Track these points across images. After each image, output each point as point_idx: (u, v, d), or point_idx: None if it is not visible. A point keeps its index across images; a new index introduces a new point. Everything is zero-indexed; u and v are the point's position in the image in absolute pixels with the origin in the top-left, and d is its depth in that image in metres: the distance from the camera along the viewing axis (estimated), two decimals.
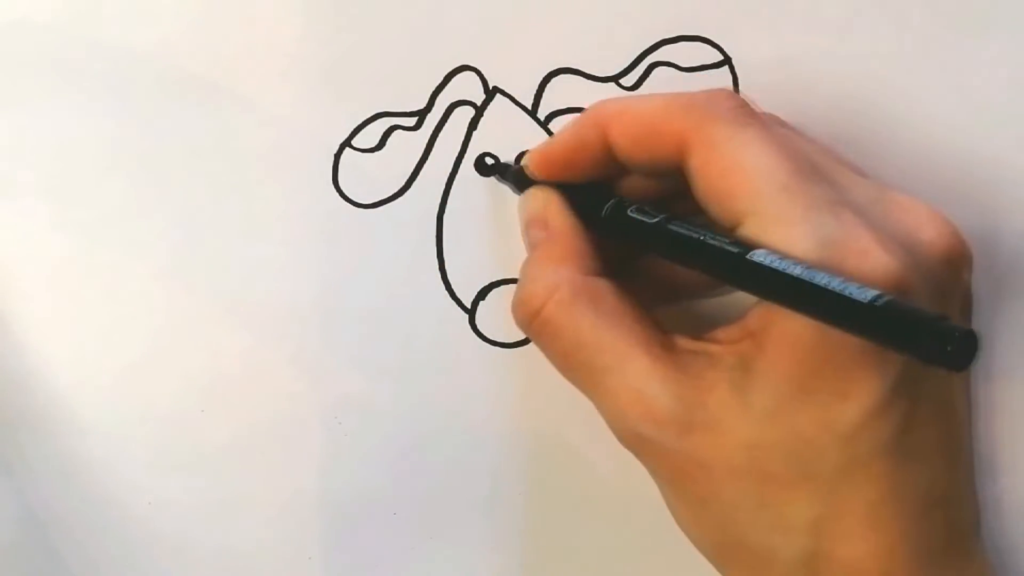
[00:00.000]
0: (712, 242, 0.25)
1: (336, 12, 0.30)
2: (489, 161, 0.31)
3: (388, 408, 0.32)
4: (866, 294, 0.21)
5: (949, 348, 0.20)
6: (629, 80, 0.31)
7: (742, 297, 0.25)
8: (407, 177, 0.31)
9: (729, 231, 0.25)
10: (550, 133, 0.31)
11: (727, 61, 0.30)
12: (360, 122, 0.31)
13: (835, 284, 0.22)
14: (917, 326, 0.21)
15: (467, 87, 0.31)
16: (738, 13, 0.30)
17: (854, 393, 0.23)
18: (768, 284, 0.23)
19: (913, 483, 0.25)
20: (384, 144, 0.31)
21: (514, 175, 0.31)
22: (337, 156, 0.31)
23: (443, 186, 0.31)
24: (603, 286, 0.27)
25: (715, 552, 0.27)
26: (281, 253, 0.32)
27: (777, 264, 0.23)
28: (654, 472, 0.27)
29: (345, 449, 0.33)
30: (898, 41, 0.30)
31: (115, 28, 0.31)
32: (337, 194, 0.31)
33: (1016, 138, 0.30)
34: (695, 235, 0.25)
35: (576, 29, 0.30)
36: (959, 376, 0.28)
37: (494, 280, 0.32)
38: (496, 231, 0.32)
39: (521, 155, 0.31)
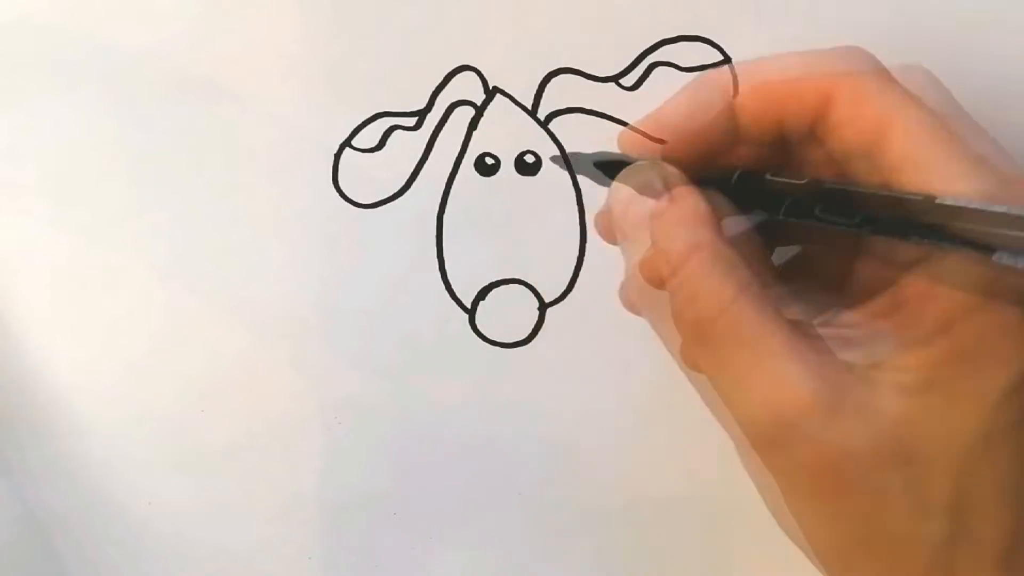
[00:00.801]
0: (889, 193, 0.23)
1: (336, 12, 0.30)
2: (489, 161, 0.31)
3: (388, 408, 0.32)
4: None
5: None
6: (629, 80, 0.31)
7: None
8: (407, 177, 0.31)
9: (886, 176, 0.24)
10: (550, 133, 0.31)
11: (727, 61, 0.30)
12: (360, 122, 0.31)
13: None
14: None
15: (467, 87, 0.31)
16: (738, 13, 0.30)
17: (1005, 361, 0.23)
18: (966, 230, 0.21)
19: None
20: (384, 144, 0.31)
21: (599, 161, 0.28)
22: (337, 156, 0.31)
23: (443, 186, 0.31)
24: (739, 256, 0.25)
25: (844, 553, 0.25)
26: (281, 253, 0.32)
27: (975, 204, 0.21)
28: (787, 470, 0.24)
29: (345, 449, 0.33)
30: (898, 40, 0.30)
31: (115, 28, 0.31)
32: (337, 194, 0.31)
33: (1017, 139, 0.30)
34: (867, 190, 0.24)
35: (576, 29, 0.30)
36: None
37: (494, 280, 0.32)
38: (496, 231, 0.32)
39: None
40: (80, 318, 0.32)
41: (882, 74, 0.25)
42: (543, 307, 0.32)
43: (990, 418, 0.23)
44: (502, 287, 0.32)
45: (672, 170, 0.27)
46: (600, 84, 0.31)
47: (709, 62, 0.30)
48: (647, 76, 0.31)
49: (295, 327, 0.32)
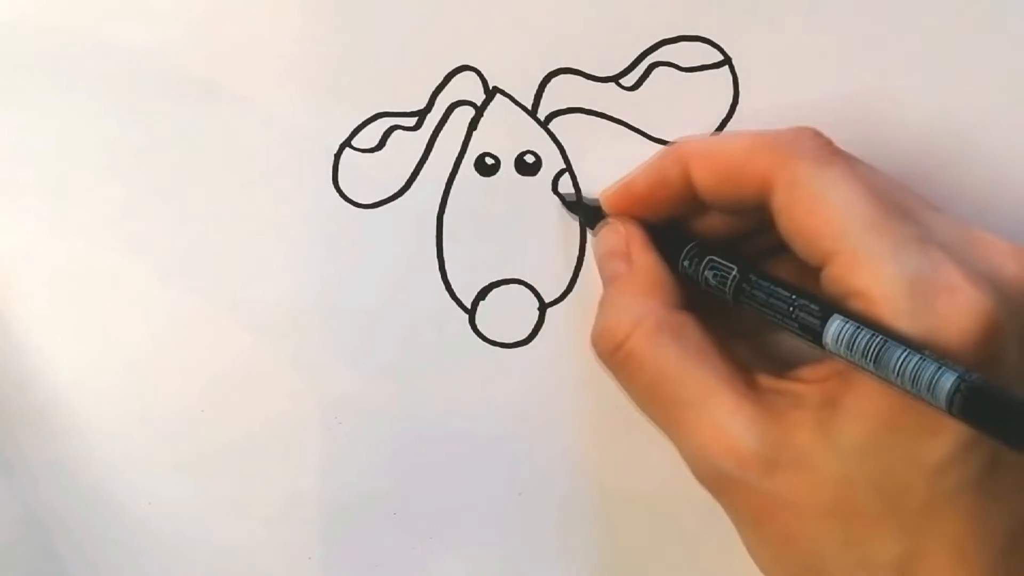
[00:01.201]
0: (790, 309, 0.25)
1: (336, 12, 0.30)
2: (489, 161, 0.31)
3: (388, 408, 0.32)
4: (946, 377, 0.22)
5: None
6: (629, 80, 0.31)
7: None
8: (407, 177, 0.31)
9: (815, 270, 0.25)
10: (550, 133, 0.31)
11: (727, 61, 0.30)
12: (360, 122, 0.31)
13: (912, 361, 0.22)
14: (1005, 414, 0.21)
15: (467, 87, 0.31)
16: (738, 13, 0.30)
17: (944, 429, 0.23)
18: (849, 352, 0.24)
19: (998, 520, 0.24)
20: (384, 144, 0.31)
21: (588, 210, 0.31)
22: (337, 156, 0.31)
23: (443, 186, 0.31)
24: (688, 320, 0.27)
25: None
26: (281, 253, 0.32)
27: (851, 336, 0.23)
28: (735, 512, 0.27)
29: (345, 449, 0.33)
30: (899, 40, 0.30)
31: (115, 28, 0.30)
32: (337, 194, 0.31)
33: (1018, 137, 0.30)
34: (774, 300, 0.26)
35: (576, 29, 0.30)
36: None
37: (494, 280, 0.32)
38: (496, 231, 0.32)
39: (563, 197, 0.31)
40: (80, 318, 0.32)
41: (823, 157, 0.26)
42: (543, 307, 0.32)
43: (931, 484, 0.24)
44: (502, 287, 0.32)
45: (637, 236, 0.29)
46: (600, 84, 0.31)
47: (709, 62, 0.30)
48: (647, 76, 0.31)
49: (295, 327, 0.32)
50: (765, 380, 0.27)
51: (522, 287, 0.32)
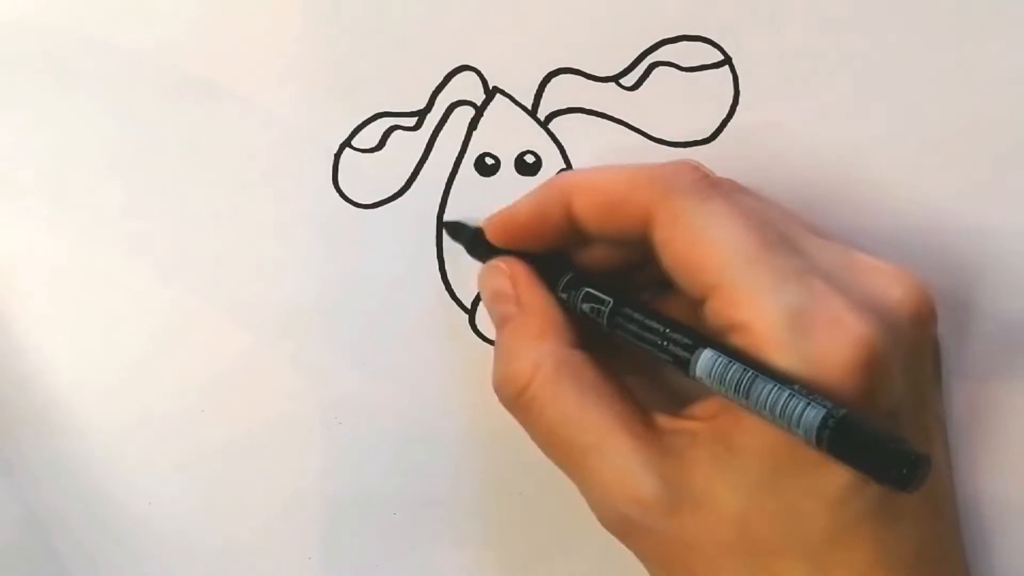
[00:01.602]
0: (662, 342, 0.25)
1: (336, 12, 0.30)
2: (489, 161, 0.31)
3: (388, 408, 0.32)
4: (812, 413, 0.22)
5: (903, 471, 0.21)
6: (629, 80, 0.31)
7: None
8: (407, 177, 0.31)
9: (697, 304, 0.25)
10: (550, 133, 0.31)
11: (727, 61, 0.30)
12: (360, 122, 0.31)
13: (780, 396, 0.22)
14: (868, 450, 0.21)
15: (467, 87, 0.31)
16: (738, 13, 0.30)
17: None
18: (719, 386, 0.24)
19: (902, 543, 0.24)
20: (384, 144, 0.31)
21: (470, 240, 0.31)
22: (337, 156, 0.31)
23: (443, 186, 0.31)
24: (584, 360, 0.27)
25: None
26: (281, 253, 0.32)
27: (721, 369, 0.23)
28: (641, 555, 0.27)
29: (345, 449, 0.33)
30: (899, 40, 0.30)
31: (115, 28, 0.30)
32: (337, 194, 0.31)
33: (1015, 138, 0.30)
34: (645, 333, 0.26)
35: (576, 29, 0.30)
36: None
37: None
38: None
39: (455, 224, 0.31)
40: (80, 318, 0.32)
41: (701, 192, 0.26)
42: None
43: (833, 515, 0.24)
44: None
45: (523, 274, 0.29)
46: (600, 84, 0.31)
47: (709, 62, 0.30)
48: (647, 76, 0.31)
49: (295, 327, 0.32)
50: (662, 419, 0.26)
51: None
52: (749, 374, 0.23)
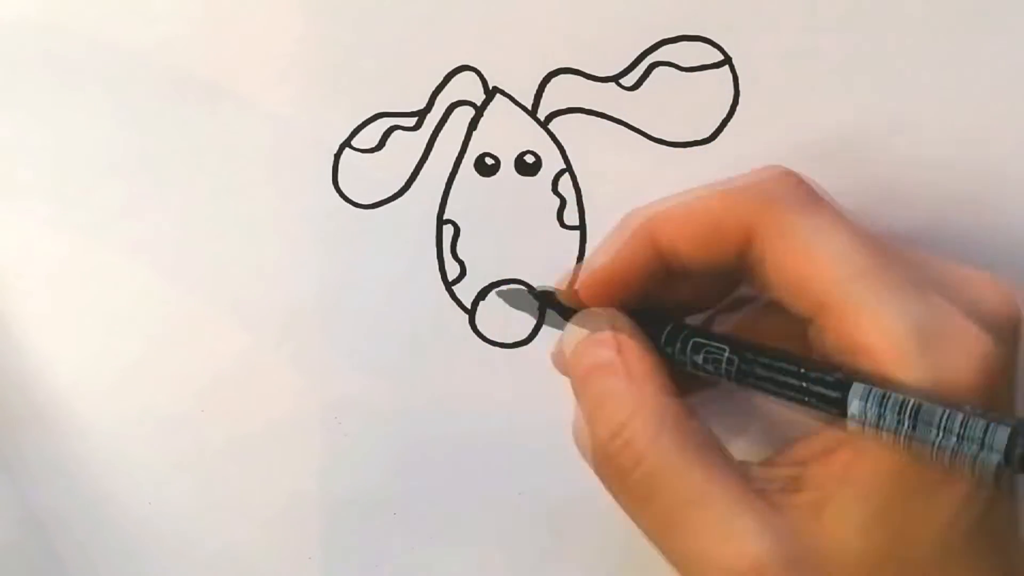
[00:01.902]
0: (801, 385, 0.23)
1: (336, 12, 0.30)
2: (489, 161, 0.31)
3: (388, 408, 0.32)
4: (999, 432, 0.21)
5: None
6: (629, 80, 0.31)
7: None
8: (407, 177, 0.31)
9: (807, 321, 0.24)
10: (550, 133, 0.31)
11: (727, 61, 0.30)
12: (360, 122, 0.31)
13: (956, 419, 0.21)
14: None
15: (467, 87, 0.31)
16: (738, 13, 0.30)
17: (949, 480, 0.22)
18: (878, 421, 0.22)
19: (1001, 556, 0.24)
20: (384, 144, 0.31)
21: (538, 306, 0.30)
22: (337, 156, 0.31)
23: (443, 186, 0.31)
24: (684, 411, 0.25)
25: None
26: (281, 253, 0.32)
27: (878, 402, 0.22)
28: None
29: (345, 449, 0.33)
30: (899, 40, 0.30)
31: (115, 28, 0.30)
32: (337, 194, 0.31)
33: (1015, 138, 0.30)
34: (779, 377, 0.24)
35: (576, 29, 0.30)
36: None
37: (494, 280, 0.32)
38: (496, 231, 0.32)
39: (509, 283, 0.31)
40: (80, 318, 0.32)
41: (806, 204, 0.24)
42: (543, 307, 0.32)
43: (943, 537, 0.23)
44: (502, 287, 0.32)
45: (623, 319, 0.27)
46: (600, 84, 0.31)
47: (709, 62, 0.30)
48: (647, 76, 0.31)
49: (295, 327, 0.32)
50: (756, 469, 0.25)
51: (522, 287, 0.32)
52: (913, 400, 0.21)
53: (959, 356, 0.22)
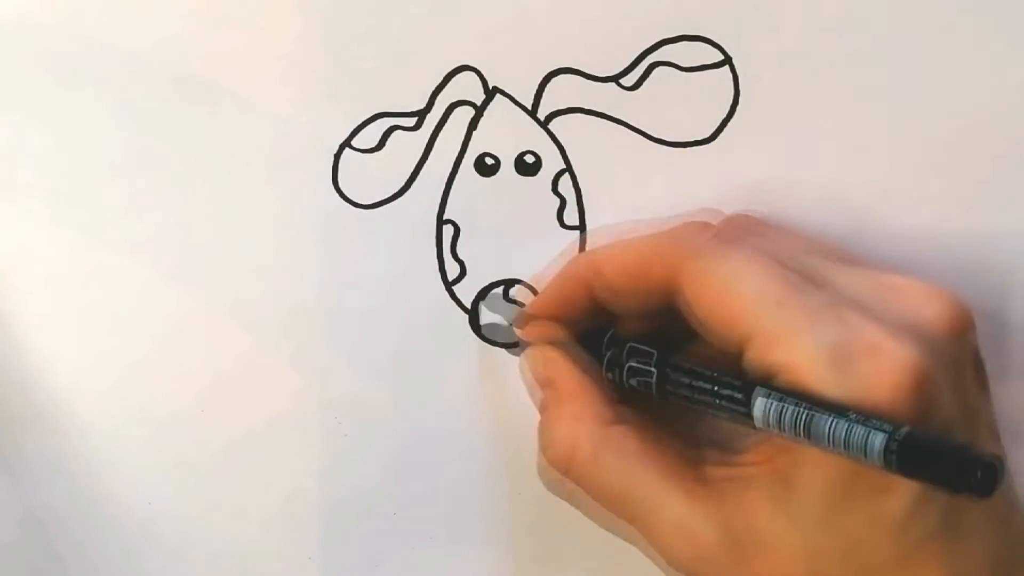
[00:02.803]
0: (715, 391, 0.26)
1: (335, 12, 0.30)
2: (489, 161, 0.31)
3: (388, 408, 0.32)
4: (876, 438, 0.22)
5: (976, 477, 0.21)
6: (629, 80, 0.31)
7: None
8: (407, 177, 0.31)
9: (735, 357, 0.25)
10: (550, 133, 0.31)
11: (727, 61, 0.30)
12: (360, 122, 0.31)
13: (841, 428, 0.22)
14: (939, 462, 0.21)
15: (467, 87, 0.31)
16: (738, 13, 0.30)
17: (897, 483, 0.23)
18: (779, 429, 0.24)
19: (972, 559, 0.24)
20: (384, 144, 0.31)
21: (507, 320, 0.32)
22: (337, 156, 0.31)
23: (443, 186, 0.31)
24: (622, 432, 0.27)
25: None
26: (281, 253, 0.32)
27: (778, 413, 0.23)
28: None
29: (345, 449, 0.33)
30: (899, 40, 0.30)
31: (115, 28, 0.30)
32: (337, 194, 0.31)
33: (1015, 138, 0.30)
34: (697, 386, 0.26)
35: (576, 29, 0.30)
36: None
37: (494, 280, 0.32)
38: (496, 231, 0.32)
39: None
40: (80, 318, 0.32)
41: (718, 247, 0.27)
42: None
43: (897, 540, 0.24)
44: (502, 287, 0.32)
45: (556, 358, 0.29)
46: (600, 84, 0.31)
47: (709, 62, 0.30)
48: (647, 76, 0.31)
49: (295, 327, 0.32)
50: (713, 470, 0.27)
51: (522, 287, 0.32)
52: (806, 411, 0.23)
53: (873, 370, 0.23)
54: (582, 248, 0.32)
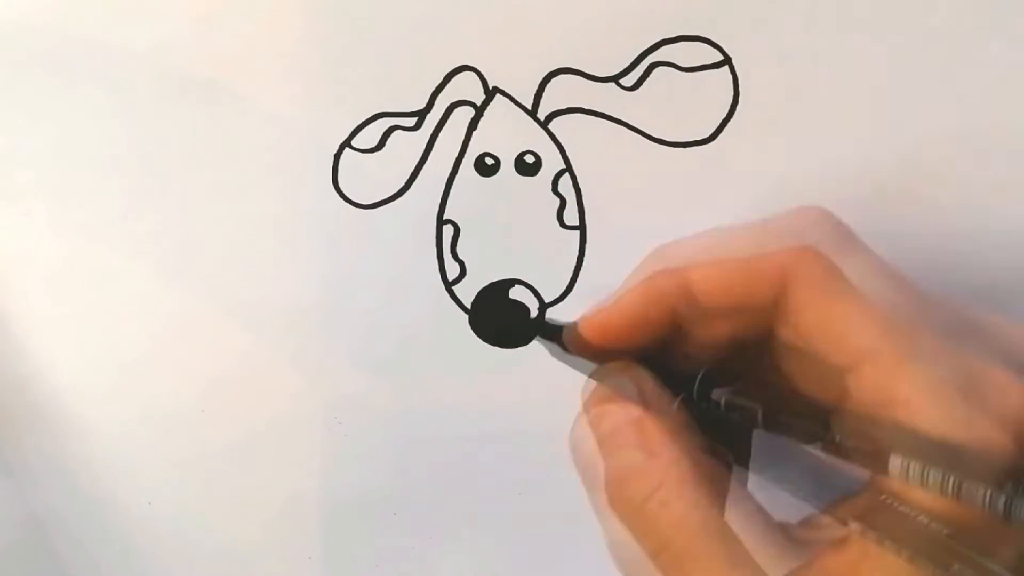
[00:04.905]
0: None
1: (336, 12, 0.30)
2: (489, 161, 0.31)
3: (388, 408, 0.32)
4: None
5: None
6: (629, 80, 0.31)
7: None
8: (407, 177, 0.31)
9: (842, 372, 0.23)
10: (550, 133, 0.31)
11: (727, 61, 0.30)
12: (360, 122, 0.31)
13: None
14: None
15: (467, 87, 0.31)
16: (738, 13, 0.30)
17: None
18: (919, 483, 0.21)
19: None
20: (384, 144, 0.31)
21: (564, 339, 0.27)
22: (337, 156, 0.31)
23: (443, 186, 0.31)
24: (709, 485, 0.23)
25: None
26: (281, 253, 0.32)
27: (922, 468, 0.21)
28: None
29: (345, 449, 0.33)
30: (899, 40, 0.30)
31: (115, 28, 0.31)
32: (337, 194, 0.31)
33: (1015, 138, 0.30)
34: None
35: (576, 29, 0.30)
36: None
37: (494, 280, 0.32)
38: (496, 231, 0.32)
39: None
40: (80, 318, 0.32)
41: (844, 247, 0.24)
42: (543, 307, 0.32)
43: None
44: (502, 287, 0.32)
45: (652, 429, 0.24)
46: (600, 84, 0.31)
47: (709, 62, 0.30)
48: (647, 76, 0.31)
49: (295, 327, 0.32)
50: (799, 531, 0.24)
51: (522, 287, 0.32)
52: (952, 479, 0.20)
53: (998, 410, 0.21)
54: (581, 249, 0.32)
